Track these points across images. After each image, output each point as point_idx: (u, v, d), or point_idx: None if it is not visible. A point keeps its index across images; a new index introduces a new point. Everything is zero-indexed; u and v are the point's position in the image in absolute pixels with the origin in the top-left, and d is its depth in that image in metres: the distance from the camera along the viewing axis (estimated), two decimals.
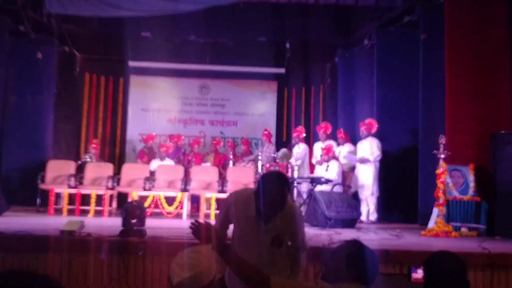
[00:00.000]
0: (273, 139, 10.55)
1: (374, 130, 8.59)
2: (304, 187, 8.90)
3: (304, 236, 3.12)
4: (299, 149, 9.51)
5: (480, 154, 7.09)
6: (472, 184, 6.84)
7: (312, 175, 8.85)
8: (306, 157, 9.54)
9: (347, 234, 5.94)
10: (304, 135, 9.64)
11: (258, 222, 2.90)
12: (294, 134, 9.66)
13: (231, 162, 9.49)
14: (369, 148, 8.47)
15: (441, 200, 6.54)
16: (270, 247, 2.89)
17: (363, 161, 8.49)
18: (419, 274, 2.93)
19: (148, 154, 10.00)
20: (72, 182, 8.22)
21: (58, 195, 8.40)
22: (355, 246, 2.44)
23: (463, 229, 6.59)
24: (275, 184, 2.87)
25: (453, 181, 6.85)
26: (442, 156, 6.58)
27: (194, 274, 2.06)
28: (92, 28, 10.64)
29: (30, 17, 9.62)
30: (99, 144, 9.99)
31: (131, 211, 4.84)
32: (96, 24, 10.46)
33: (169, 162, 9.47)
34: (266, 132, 10.06)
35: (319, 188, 8.10)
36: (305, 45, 10.85)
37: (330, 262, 2.44)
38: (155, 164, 9.29)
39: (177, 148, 10.22)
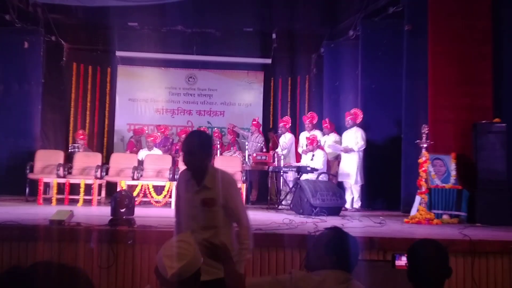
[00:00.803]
0: (261, 129, 10.65)
1: (359, 120, 8.73)
2: (290, 176, 9.03)
3: (242, 211, 3.03)
4: (285, 138, 9.63)
5: (462, 143, 7.25)
6: (453, 173, 7.00)
7: (298, 164, 8.98)
8: (292, 146, 9.66)
9: (332, 222, 6.05)
10: (289, 125, 9.74)
11: (192, 186, 3.02)
12: (281, 124, 9.77)
13: (218, 152, 9.58)
14: (354, 138, 8.62)
15: (423, 188, 6.69)
16: (203, 207, 2.97)
17: (347, 150, 8.65)
18: (402, 261, 2.98)
19: (136, 145, 10.05)
20: (61, 171, 8.25)
21: (47, 185, 8.43)
22: (336, 233, 2.52)
23: (445, 217, 6.75)
24: (191, 139, 3.05)
25: (435, 169, 7.00)
26: (425, 145, 6.72)
27: (186, 263, 2.10)
28: (79, 17, 10.62)
29: (15, 6, 9.59)
30: (86, 135, 10.01)
31: (120, 200, 4.90)
32: (82, 14, 10.43)
33: (157, 151, 9.54)
34: (255, 122, 10.15)
35: (304, 177, 8.23)
36: (291, 35, 10.93)
37: (312, 250, 2.51)
38: (143, 153, 9.35)
39: (165, 138, 10.28)
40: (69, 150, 9.49)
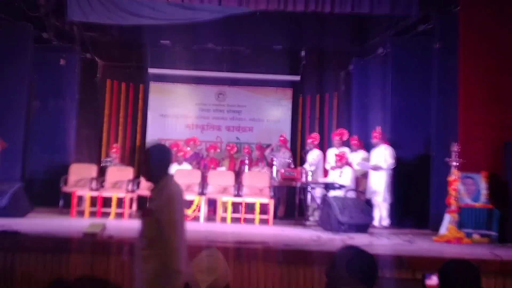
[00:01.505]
0: (288, 144, 10.71)
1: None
2: (318, 192, 9.03)
3: (172, 229, 2.92)
4: (314, 155, 9.65)
5: (493, 162, 7.13)
6: (484, 192, 6.89)
7: (325, 181, 8.98)
8: (320, 163, 9.67)
9: (360, 239, 6.04)
10: (317, 141, 9.77)
11: None
12: (309, 140, 9.81)
13: (246, 167, 9.67)
14: (383, 155, 8.60)
15: (453, 207, 6.61)
16: (140, 217, 3.07)
17: (376, 168, 8.62)
18: (433, 280, 2.98)
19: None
20: (94, 185, 8.46)
21: (80, 198, 8.62)
22: (353, 251, 2.51)
23: (475, 236, 6.65)
24: (144, 150, 3.17)
25: (465, 188, 6.91)
26: (455, 163, 6.66)
27: (218, 277, 2.15)
28: (113, 35, 10.93)
29: (53, 25, 9.91)
30: (119, 149, 10.22)
31: None
32: (117, 32, 10.73)
33: (186, 166, 9.67)
34: (282, 138, 10.21)
35: (332, 193, 8.23)
36: (320, 53, 10.99)
37: (333, 270, 2.47)
38: (173, 168, 9.49)
39: (196, 153, 10.42)
40: (102, 164, 9.71)
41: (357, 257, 2.48)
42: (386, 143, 8.75)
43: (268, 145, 10.58)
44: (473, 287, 2.44)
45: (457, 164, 6.67)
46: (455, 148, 6.64)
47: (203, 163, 10.16)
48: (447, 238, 6.39)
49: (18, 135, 9.04)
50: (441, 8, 8.29)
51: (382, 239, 6.39)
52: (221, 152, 11.12)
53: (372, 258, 2.51)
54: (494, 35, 7.48)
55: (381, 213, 8.55)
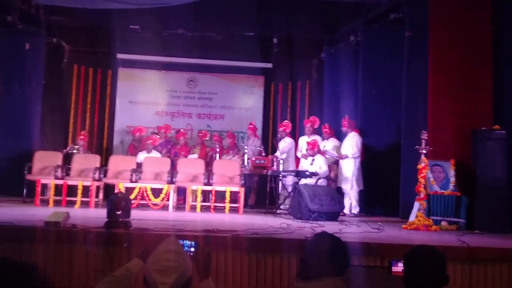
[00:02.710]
0: (259, 132, 10.65)
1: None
2: (289, 180, 9.01)
3: None
4: (285, 142, 9.62)
5: (462, 150, 7.23)
6: (452, 179, 6.98)
7: (297, 169, 8.96)
8: (292, 151, 9.64)
9: (330, 227, 6.03)
10: (289, 129, 9.73)
11: None
12: (281, 128, 9.77)
13: (217, 155, 9.57)
14: (350, 144, 8.65)
15: (422, 195, 6.67)
16: None
17: (342, 157, 8.69)
18: (399, 267, 2.97)
19: (137, 147, 10.04)
20: (59, 173, 8.24)
21: (44, 186, 8.41)
22: (331, 239, 2.49)
23: (443, 223, 6.74)
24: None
25: (434, 176, 6.99)
26: (424, 151, 6.70)
27: (179, 275, 2.02)
28: (81, 20, 10.62)
29: (18, 8, 9.57)
30: (87, 136, 10.00)
31: (116, 202, 4.88)
32: (84, 16, 10.41)
33: (156, 154, 9.53)
34: (251, 126, 10.14)
35: (303, 181, 8.22)
36: (292, 40, 10.91)
37: (309, 259, 2.44)
38: (142, 156, 9.34)
39: (166, 140, 10.28)
40: (68, 151, 9.48)
41: (339, 246, 2.46)
42: (355, 130, 8.78)
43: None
44: (438, 273, 2.42)
45: (426, 152, 6.72)
46: (424, 136, 6.68)
47: (173, 151, 10.02)
48: (416, 226, 6.44)
49: None
50: None
51: (352, 226, 6.40)
52: (192, 139, 11.00)
53: (346, 246, 2.50)
54: (463, 24, 7.58)
55: (351, 201, 8.59)
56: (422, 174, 6.72)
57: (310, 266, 2.42)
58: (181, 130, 10.73)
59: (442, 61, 7.56)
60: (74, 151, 9.43)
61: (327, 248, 2.40)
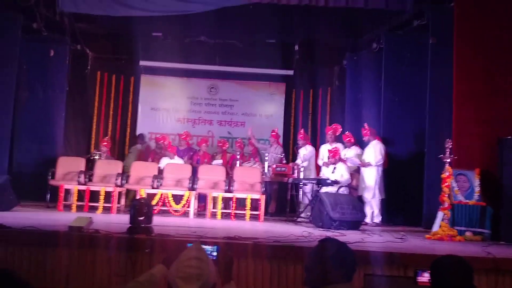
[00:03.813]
0: (280, 140, 10.61)
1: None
2: (309, 188, 8.95)
3: None
4: (306, 150, 9.57)
5: (487, 159, 7.09)
6: (477, 189, 6.85)
7: (318, 177, 8.90)
8: (313, 159, 9.59)
9: (352, 236, 5.97)
10: (304, 138, 9.65)
11: None
12: (299, 137, 9.75)
13: (238, 162, 9.56)
14: (373, 152, 8.55)
15: (446, 204, 6.56)
16: None
17: (365, 165, 8.58)
18: (425, 277, 2.93)
19: (159, 154, 10.09)
20: (82, 178, 8.32)
21: (67, 191, 8.49)
22: (336, 244, 2.45)
23: (468, 234, 6.60)
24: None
25: (458, 185, 6.87)
26: (448, 160, 6.60)
27: (203, 282, 2.01)
28: (104, 27, 10.76)
29: (43, 15, 9.72)
30: (110, 142, 10.09)
31: (138, 208, 4.90)
32: (107, 23, 10.54)
33: (178, 160, 9.56)
34: (273, 133, 10.11)
35: (324, 189, 8.16)
36: (314, 47, 10.89)
37: (314, 266, 2.40)
38: (164, 162, 9.40)
39: (188, 147, 10.31)
40: (91, 157, 9.59)
41: (345, 251, 2.42)
42: (377, 138, 8.69)
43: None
44: (466, 283, 2.37)
45: (450, 160, 6.61)
46: (448, 144, 6.57)
47: (195, 158, 10.05)
48: (440, 236, 6.33)
49: (6, 126, 8.91)
50: (436, 3, 8.26)
51: (374, 236, 6.32)
52: (213, 146, 11.02)
53: (351, 251, 2.46)
54: (488, 31, 7.47)
55: (373, 210, 8.49)
56: (446, 184, 6.62)
57: (315, 273, 2.38)
58: (203, 137, 10.77)
59: (466, 68, 7.45)
60: (96, 157, 9.52)
61: (332, 253, 2.37)
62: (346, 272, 2.36)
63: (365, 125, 8.80)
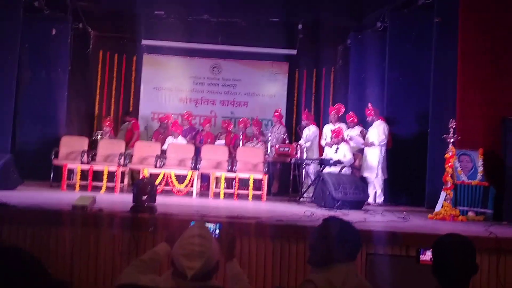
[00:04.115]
0: (283, 120, 10.59)
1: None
2: (312, 168, 8.96)
3: None
4: (309, 131, 9.55)
5: (491, 139, 7.08)
6: (480, 169, 6.84)
7: (321, 157, 8.90)
8: (316, 139, 9.57)
9: (354, 215, 5.99)
10: (308, 119, 9.62)
11: None
12: (303, 116, 9.73)
13: (241, 142, 9.55)
14: (377, 131, 8.52)
15: (449, 184, 6.56)
16: None
17: (368, 144, 8.55)
18: (427, 256, 2.95)
19: (163, 134, 10.09)
20: (85, 158, 8.33)
21: (71, 171, 8.51)
22: (340, 223, 2.47)
23: (470, 214, 6.62)
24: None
25: (461, 165, 6.86)
26: (452, 140, 6.58)
27: (206, 259, 2.04)
28: (106, 5, 10.70)
29: None
30: (112, 122, 10.08)
31: (142, 187, 4.92)
32: (109, 2, 10.51)
33: (182, 140, 9.56)
34: (277, 113, 10.08)
35: (327, 169, 8.16)
36: (317, 26, 10.78)
37: (318, 245, 2.41)
38: (167, 141, 9.42)
39: (191, 127, 10.29)
40: (93, 137, 9.60)
41: (349, 229, 2.44)
42: (380, 118, 8.66)
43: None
44: (468, 262, 2.37)
45: (454, 140, 6.59)
46: (452, 124, 6.55)
47: (199, 137, 10.04)
48: (442, 216, 6.35)
49: (8, 106, 8.90)
50: None
51: (377, 216, 6.34)
52: (215, 126, 11.00)
53: (355, 230, 2.48)
54: (493, 12, 7.41)
55: (375, 190, 8.50)
56: (449, 164, 6.61)
57: (320, 252, 2.39)
58: (207, 117, 10.75)
59: (472, 48, 7.39)
60: (99, 136, 9.52)
61: (336, 232, 2.38)
62: (350, 250, 2.36)
63: (369, 105, 8.75)
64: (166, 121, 10.20)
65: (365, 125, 9.05)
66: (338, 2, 10.10)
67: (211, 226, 2.73)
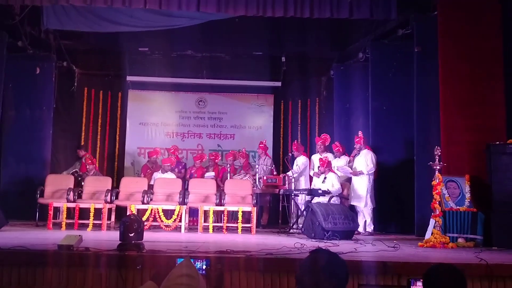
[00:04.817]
0: (270, 151, 10.60)
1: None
2: (301, 199, 8.94)
3: None
4: (299, 161, 9.57)
5: (476, 165, 7.14)
6: (468, 195, 6.88)
7: (309, 188, 8.89)
8: (306, 170, 9.58)
9: (345, 246, 5.95)
10: (293, 153, 9.66)
11: None
12: (294, 147, 9.77)
13: (228, 175, 9.53)
14: (364, 160, 8.55)
15: (438, 211, 6.57)
16: None
17: (356, 173, 8.58)
18: (418, 286, 2.95)
19: (151, 169, 10.04)
20: (71, 196, 8.23)
21: (57, 210, 8.39)
22: (327, 255, 2.42)
23: (460, 240, 6.62)
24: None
25: (449, 192, 6.89)
26: (438, 167, 6.63)
27: None
28: (90, 43, 10.75)
29: (28, 33, 9.70)
30: (93, 158, 10.00)
31: (128, 225, 4.85)
32: (94, 40, 10.55)
33: (170, 175, 9.51)
34: (261, 145, 10.11)
35: (316, 200, 8.14)
36: (300, 58, 10.98)
37: (306, 278, 2.36)
38: (157, 176, 9.37)
39: (178, 161, 10.26)
40: (71, 172, 9.54)
41: (336, 261, 2.39)
42: (367, 147, 8.72)
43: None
44: None
45: (440, 167, 6.64)
46: (437, 151, 6.61)
47: (190, 171, 10.01)
48: (432, 243, 6.33)
49: None
50: (420, 13, 8.35)
51: (367, 245, 6.30)
52: (204, 160, 10.98)
53: (343, 262, 2.43)
54: (471, 40, 7.58)
55: (365, 219, 8.48)
56: (436, 191, 6.64)
57: (307, 285, 2.34)
58: (198, 152, 10.74)
59: (452, 75, 7.54)
60: (75, 170, 9.47)
61: (323, 265, 2.33)
62: (338, 283, 2.33)
63: (360, 133, 8.80)
64: (154, 156, 10.16)
65: (349, 154, 9.08)
66: (321, 34, 10.29)
67: (197, 263, 2.69)
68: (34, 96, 9.89)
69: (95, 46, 10.91)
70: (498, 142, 6.84)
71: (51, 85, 10.07)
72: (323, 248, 2.61)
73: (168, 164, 9.60)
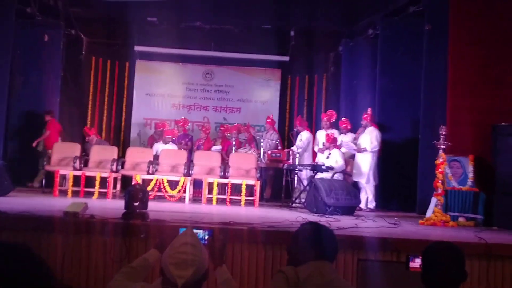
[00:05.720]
0: (276, 126, 10.61)
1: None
2: (305, 174, 8.99)
3: None
4: (303, 136, 9.59)
5: (481, 146, 7.13)
6: (471, 175, 6.89)
7: (313, 163, 8.93)
8: (309, 145, 9.61)
9: (346, 221, 6.01)
10: (297, 128, 9.65)
11: None
12: (296, 123, 9.77)
13: (233, 148, 9.57)
14: (369, 138, 8.56)
15: (440, 190, 6.61)
16: None
17: (360, 150, 8.59)
18: (416, 263, 2.98)
19: (157, 140, 10.09)
20: (77, 164, 8.32)
21: (63, 177, 8.49)
22: (314, 227, 2.59)
23: (461, 219, 6.66)
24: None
25: (452, 171, 6.91)
26: (442, 146, 6.63)
27: (196, 268, 2.04)
28: (99, 12, 10.72)
29: (37, 0, 9.67)
30: (94, 129, 10.06)
31: (133, 194, 4.92)
32: (102, 8, 10.50)
33: (172, 146, 9.57)
34: (269, 120, 10.12)
35: (319, 175, 8.19)
36: (309, 33, 10.88)
37: (294, 246, 2.55)
38: (158, 147, 9.42)
39: (184, 134, 10.29)
40: (86, 142, 9.59)
41: (318, 232, 2.53)
42: (373, 125, 8.70)
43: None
44: (457, 270, 2.40)
45: (445, 147, 6.64)
46: (443, 131, 6.60)
47: (197, 143, 10.05)
48: (433, 221, 6.39)
49: (0, 112, 8.87)
50: None
51: (368, 221, 6.36)
52: (211, 132, 10.99)
53: (332, 233, 2.59)
54: (484, 19, 7.46)
55: (367, 196, 8.54)
56: (440, 170, 6.66)
57: (295, 254, 2.51)
58: (204, 125, 10.76)
59: (462, 55, 7.45)
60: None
61: (310, 235, 2.49)
62: (325, 251, 2.44)
63: (369, 109, 8.76)
64: (161, 128, 10.20)
65: (357, 131, 9.09)
66: (330, 9, 10.18)
67: (200, 233, 2.74)
68: (42, 63, 9.90)
69: (103, 15, 10.88)
70: (504, 123, 6.81)
71: (59, 53, 10.07)
72: (314, 221, 2.75)
73: (170, 136, 9.63)
